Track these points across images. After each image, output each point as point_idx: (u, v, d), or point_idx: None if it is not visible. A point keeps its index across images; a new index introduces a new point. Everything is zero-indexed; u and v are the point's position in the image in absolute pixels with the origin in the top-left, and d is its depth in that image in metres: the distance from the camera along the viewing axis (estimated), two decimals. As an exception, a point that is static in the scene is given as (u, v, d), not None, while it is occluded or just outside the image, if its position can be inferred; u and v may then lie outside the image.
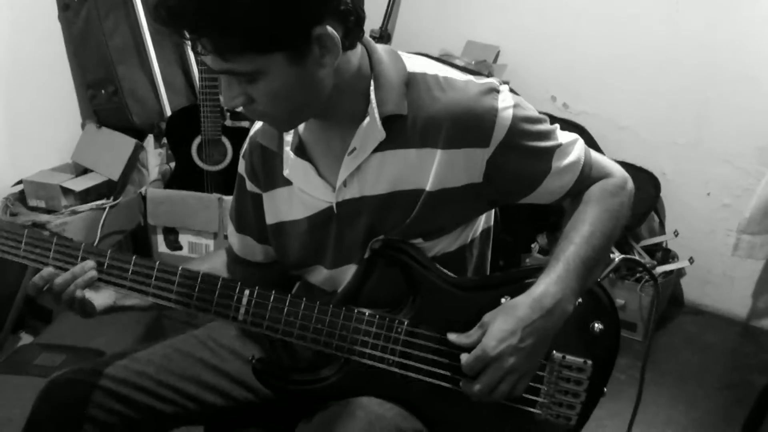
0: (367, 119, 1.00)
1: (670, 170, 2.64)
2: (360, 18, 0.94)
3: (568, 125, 2.68)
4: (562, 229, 1.08)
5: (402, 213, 1.04)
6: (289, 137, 1.08)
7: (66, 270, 1.05)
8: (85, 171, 2.62)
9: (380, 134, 1.00)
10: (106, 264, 1.06)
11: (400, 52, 1.06)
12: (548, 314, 0.97)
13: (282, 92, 0.92)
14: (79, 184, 2.49)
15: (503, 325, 0.97)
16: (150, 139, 2.67)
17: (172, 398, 1.13)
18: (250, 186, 1.17)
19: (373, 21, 3.04)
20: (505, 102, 1.01)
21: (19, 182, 2.48)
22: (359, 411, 0.99)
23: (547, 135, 1.05)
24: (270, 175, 1.13)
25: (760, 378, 2.18)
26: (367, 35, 1.00)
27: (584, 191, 1.08)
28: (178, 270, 1.05)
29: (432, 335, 1.03)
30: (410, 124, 1.01)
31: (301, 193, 1.09)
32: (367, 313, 1.04)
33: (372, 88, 1.00)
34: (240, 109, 0.96)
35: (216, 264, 1.25)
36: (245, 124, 2.60)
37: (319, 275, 1.14)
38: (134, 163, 2.62)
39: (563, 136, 1.07)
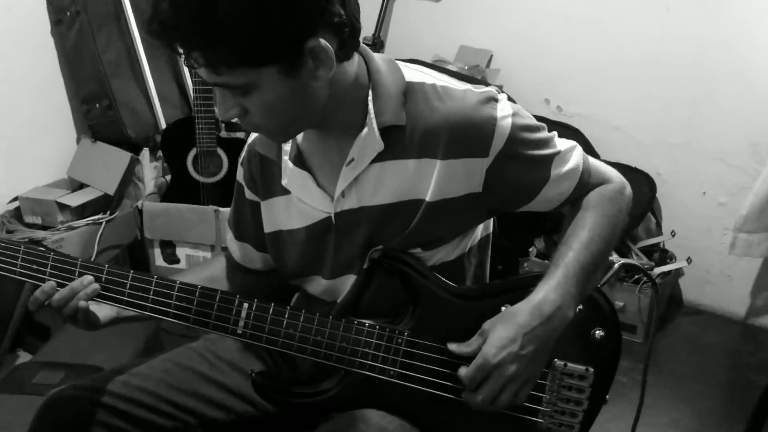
0: (366, 130, 1.00)
1: (665, 170, 2.65)
2: (355, 29, 0.94)
3: (562, 128, 2.69)
4: (561, 234, 1.08)
5: (401, 223, 1.03)
6: (287, 146, 1.08)
7: (64, 285, 1.04)
8: (80, 186, 2.62)
9: (378, 145, 1.00)
10: (103, 279, 1.05)
11: (397, 62, 1.06)
12: (548, 321, 0.97)
13: (276, 104, 0.92)
14: (75, 200, 2.48)
15: (503, 332, 0.97)
16: (145, 153, 2.66)
17: (171, 413, 1.12)
18: (248, 194, 1.17)
19: (365, 28, 3.03)
20: (503, 111, 1.01)
21: (15, 199, 2.47)
22: (361, 424, 0.98)
23: (545, 143, 1.05)
24: (268, 183, 1.12)
25: (761, 377, 2.18)
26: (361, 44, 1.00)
27: (583, 197, 1.08)
28: (176, 284, 1.05)
29: (433, 345, 1.03)
30: (409, 134, 1.01)
31: (299, 203, 1.09)
32: (366, 324, 1.03)
33: (370, 98, 1.00)
34: (235, 120, 0.96)
35: (216, 271, 1.25)
36: (241, 135, 2.60)
37: (318, 285, 1.13)
38: (130, 176, 2.62)
39: (561, 144, 1.07)
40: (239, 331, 1.04)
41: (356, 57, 1.00)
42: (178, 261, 2.54)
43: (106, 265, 1.06)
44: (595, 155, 2.66)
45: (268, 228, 1.15)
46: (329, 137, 1.05)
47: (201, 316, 1.04)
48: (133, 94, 2.60)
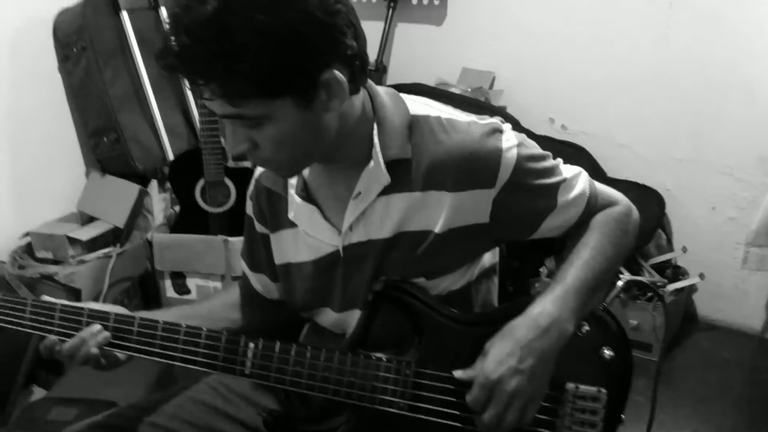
0: (372, 163, 1.01)
1: (674, 186, 2.64)
2: (364, 62, 0.95)
3: (567, 146, 2.69)
4: (565, 253, 1.08)
5: (409, 255, 1.04)
6: (293, 180, 1.09)
7: (72, 335, 1.05)
8: (90, 219, 2.63)
9: (385, 178, 1.01)
10: (110, 327, 1.06)
11: (402, 95, 1.07)
12: (545, 333, 0.96)
13: (288, 137, 0.93)
14: (86, 234, 2.49)
15: (501, 348, 0.96)
16: (154, 184, 2.69)
17: (185, 449, 1.13)
18: (258, 227, 1.18)
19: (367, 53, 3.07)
20: (508, 142, 1.01)
21: (26, 234, 2.49)
22: (372, 458, 0.98)
23: (551, 171, 1.05)
24: (276, 216, 1.13)
25: (779, 393, 2.15)
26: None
27: (589, 220, 1.09)
28: (182, 329, 1.05)
29: (440, 375, 1.02)
30: (415, 167, 1.01)
31: (307, 236, 1.09)
32: (374, 357, 1.03)
33: (375, 132, 1.01)
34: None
35: (227, 300, 1.25)
36: (247, 164, 2.62)
37: (328, 318, 1.13)
38: (139, 209, 2.64)
39: (567, 171, 1.08)
40: (247, 372, 1.04)
41: (362, 91, 1.01)
42: (188, 292, 2.54)
43: (113, 314, 1.06)
44: (602, 173, 2.67)
45: (278, 260, 1.16)
46: (336, 171, 1.05)
47: (208, 358, 1.04)
48: (140, 127, 2.62)
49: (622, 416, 1.07)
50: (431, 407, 1.02)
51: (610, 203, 1.10)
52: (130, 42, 2.58)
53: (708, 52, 2.48)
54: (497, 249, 1.18)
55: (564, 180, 1.06)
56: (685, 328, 2.61)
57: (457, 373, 1.01)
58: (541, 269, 2.51)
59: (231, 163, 2.58)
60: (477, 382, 0.96)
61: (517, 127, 1.05)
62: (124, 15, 2.56)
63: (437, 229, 1.02)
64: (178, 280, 2.53)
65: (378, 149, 1.00)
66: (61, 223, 2.56)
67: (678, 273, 2.57)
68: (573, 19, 2.72)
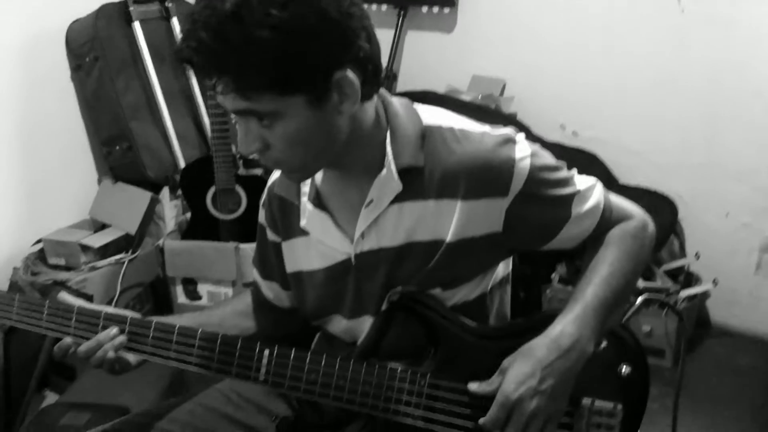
0: (384, 171, 1.01)
1: (687, 192, 2.62)
2: (378, 68, 0.96)
3: (578, 153, 2.68)
4: (582, 269, 1.07)
5: (420, 263, 1.04)
6: (306, 188, 1.09)
7: (87, 339, 1.06)
8: (103, 226, 2.65)
9: (397, 186, 1.01)
10: (126, 331, 1.06)
11: (415, 105, 1.07)
12: (566, 354, 0.96)
13: (299, 137, 0.93)
14: (98, 240, 2.51)
15: (522, 367, 0.96)
16: (165, 192, 2.70)
17: (196, 456, 1.13)
18: (271, 235, 1.18)
19: (378, 61, 3.07)
20: (522, 152, 1.01)
21: (39, 241, 2.51)
22: (385, 468, 0.98)
23: (565, 182, 1.05)
24: (288, 224, 1.13)
25: (795, 400, 2.13)
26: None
27: (605, 233, 1.08)
28: (197, 333, 1.06)
29: (455, 387, 1.02)
30: (427, 176, 1.01)
31: (319, 244, 1.10)
32: (388, 368, 1.03)
33: (388, 140, 1.01)
34: (255, 156, 0.97)
35: (247, 306, 1.26)
36: (258, 172, 2.63)
37: (338, 325, 1.13)
38: (151, 216, 2.65)
39: (582, 182, 1.07)
40: (261, 378, 1.04)
41: (376, 100, 1.01)
42: (200, 298, 2.55)
43: (129, 317, 1.07)
44: (613, 180, 2.66)
45: (290, 268, 1.16)
46: (348, 178, 1.06)
47: (223, 364, 1.05)
48: (152, 136, 2.64)
49: None
50: (445, 419, 1.01)
51: (625, 216, 1.10)
52: (142, 52, 2.60)
53: (721, 57, 2.47)
54: (510, 259, 1.18)
55: (578, 191, 1.05)
56: (698, 334, 2.59)
57: (472, 386, 1.00)
58: (552, 275, 2.50)
59: (242, 171, 2.59)
60: (496, 401, 0.96)
61: (528, 133, 1.05)
62: (136, 25, 2.58)
63: (449, 238, 1.02)
64: (190, 286, 2.54)
65: (390, 157, 1.01)
66: (73, 230, 2.57)
67: (691, 279, 2.55)
68: (584, 25, 2.71)
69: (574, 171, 1.08)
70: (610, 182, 2.61)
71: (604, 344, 1.03)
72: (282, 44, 0.85)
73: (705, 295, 2.62)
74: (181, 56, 0.89)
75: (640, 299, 1.20)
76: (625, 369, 1.04)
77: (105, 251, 2.52)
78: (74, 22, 2.59)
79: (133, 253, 2.56)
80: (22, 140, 2.48)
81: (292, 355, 1.04)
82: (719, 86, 2.49)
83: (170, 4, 2.72)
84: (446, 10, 2.93)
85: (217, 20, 0.85)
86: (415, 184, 1.01)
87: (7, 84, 2.42)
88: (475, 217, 1.01)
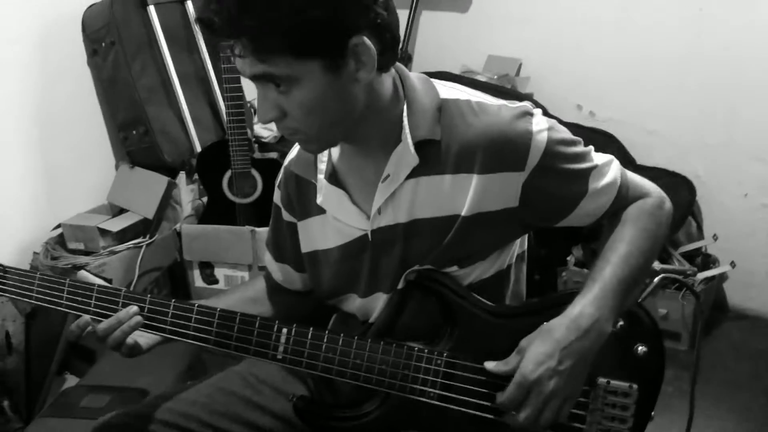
0: (401, 145, 1.01)
1: (704, 172, 2.59)
2: (396, 38, 0.95)
3: (595, 133, 2.66)
4: (599, 248, 1.07)
5: (437, 239, 1.04)
6: (322, 165, 1.10)
7: (108, 317, 1.07)
8: (121, 211, 2.67)
9: (413, 159, 1.01)
10: (146, 309, 1.07)
11: (432, 80, 1.07)
12: (585, 335, 0.96)
13: (315, 103, 0.93)
14: (116, 225, 2.53)
15: (540, 348, 0.96)
16: (182, 176, 2.71)
17: (216, 439, 1.14)
18: (286, 215, 1.19)
19: (393, 43, 3.06)
20: (539, 125, 1.00)
21: (58, 226, 2.54)
22: (402, 447, 0.99)
23: (582, 157, 1.04)
24: (304, 204, 1.14)
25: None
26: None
27: (621, 211, 1.07)
28: (216, 312, 1.07)
29: (472, 366, 1.02)
30: (444, 149, 1.01)
31: (335, 221, 1.10)
32: (405, 347, 1.04)
33: (405, 113, 1.01)
34: (276, 131, 0.98)
35: (259, 292, 1.27)
36: (274, 155, 2.63)
37: (353, 303, 1.14)
38: (168, 200, 2.66)
39: (598, 158, 1.06)
40: (279, 357, 1.05)
41: (393, 73, 1.01)
42: (216, 281, 2.57)
43: (149, 296, 1.08)
44: (630, 160, 2.64)
45: (305, 248, 1.16)
46: (364, 154, 1.06)
47: (241, 342, 1.06)
48: (168, 120, 2.65)
49: (652, 414, 1.06)
50: (462, 397, 1.02)
51: (642, 194, 1.09)
52: (158, 36, 2.60)
53: (742, 35, 2.43)
54: (526, 237, 1.18)
55: (595, 166, 1.05)
56: (715, 317, 2.58)
57: (489, 365, 1.01)
58: (568, 258, 2.49)
59: (257, 155, 2.60)
60: (515, 381, 0.96)
61: (544, 114, 1.04)
62: (152, 9, 2.58)
63: (464, 212, 1.02)
64: (207, 270, 2.56)
65: (407, 130, 1.00)
66: (92, 215, 2.60)
67: (708, 261, 2.54)
68: (601, 5, 2.68)
69: (591, 147, 1.08)
70: (627, 162, 2.58)
71: (620, 323, 1.03)
72: (299, 6, 0.86)
73: (722, 278, 2.60)
74: (201, 18, 0.90)
75: (657, 279, 1.19)
76: (641, 349, 1.04)
77: (123, 235, 2.54)
78: (90, 6, 2.59)
79: (150, 237, 2.58)
80: (40, 126, 2.50)
81: (310, 334, 1.05)
82: (739, 64, 2.45)
83: (185, -12, 2.72)
84: (461, -10, 2.91)
85: None
86: (432, 157, 1.01)
87: (24, 70, 2.43)
88: (491, 192, 1.01)
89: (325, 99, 0.93)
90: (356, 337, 1.04)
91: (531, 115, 1.01)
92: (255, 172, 2.48)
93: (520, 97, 2.67)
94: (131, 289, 2.44)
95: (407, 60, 3.04)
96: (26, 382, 2.21)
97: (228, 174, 2.49)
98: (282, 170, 1.18)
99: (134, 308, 1.06)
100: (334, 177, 1.09)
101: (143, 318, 1.07)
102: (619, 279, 1.00)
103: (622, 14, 2.64)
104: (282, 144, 2.77)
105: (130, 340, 1.06)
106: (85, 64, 2.66)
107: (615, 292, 1.00)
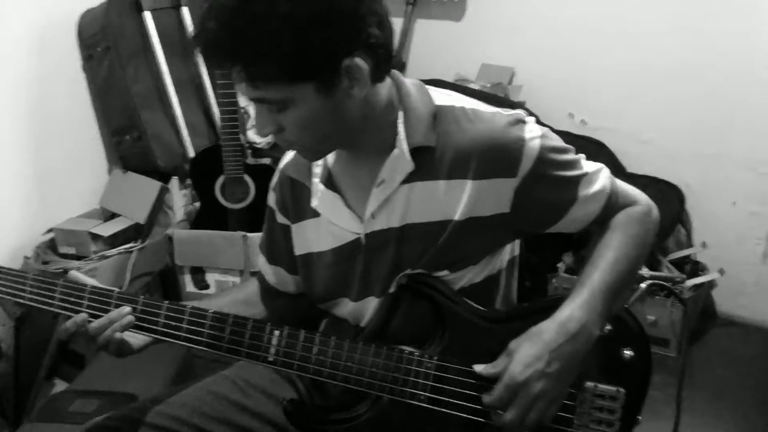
0: (396, 151, 1.02)
1: (694, 181, 2.62)
2: (389, 52, 0.97)
3: (587, 142, 2.68)
4: (588, 254, 1.09)
5: (429, 243, 1.05)
6: (318, 169, 1.11)
7: (100, 317, 1.07)
8: (113, 216, 2.66)
9: (408, 165, 1.02)
10: (138, 309, 1.07)
11: (427, 86, 1.08)
12: (573, 338, 0.97)
13: (310, 121, 0.95)
14: (108, 229, 2.52)
15: (529, 350, 0.97)
16: (174, 181, 2.71)
17: (206, 442, 1.14)
18: (280, 218, 1.20)
19: (386, 51, 3.08)
20: (532, 132, 1.02)
21: (50, 230, 2.53)
22: (392, 449, 0.99)
23: (573, 164, 1.06)
24: (298, 206, 1.15)
25: (801, 390, 2.13)
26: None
27: (610, 218, 1.09)
28: (209, 313, 1.07)
29: (462, 369, 1.03)
30: (438, 155, 1.03)
31: (330, 225, 1.11)
32: (396, 350, 1.04)
33: (400, 120, 1.03)
34: (270, 138, 1.00)
35: (250, 295, 1.27)
36: (267, 161, 2.64)
37: (345, 308, 1.15)
38: (160, 205, 2.66)
39: (589, 166, 1.08)
40: (271, 359, 1.05)
41: (388, 81, 1.03)
42: (207, 287, 2.57)
43: (142, 297, 1.08)
44: (621, 169, 2.66)
45: (299, 251, 1.17)
46: (359, 159, 1.07)
47: (233, 344, 1.06)
48: (161, 125, 2.65)
49: (639, 417, 1.07)
50: (452, 401, 1.03)
51: (630, 202, 1.11)
52: (153, 42, 2.61)
53: (733, 46, 2.45)
54: (517, 243, 1.19)
55: (585, 174, 1.07)
56: (704, 323, 2.59)
57: (478, 368, 1.02)
58: (558, 265, 2.50)
59: (250, 160, 2.60)
60: (502, 382, 0.97)
61: (537, 122, 1.06)
62: (147, 15, 2.59)
63: (457, 217, 1.03)
64: (198, 275, 2.56)
65: (402, 136, 1.02)
66: (83, 220, 2.59)
67: (697, 269, 2.55)
68: (594, 13, 2.70)
69: (582, 155, 1.10)
70: (617, 171, 2.59)
71: (608, 328, 1.04)
72: (290, 35, 0.87)
73: (711, 285, 2.62)
74: (194, 45, 0.94)
75: (644, 284, 1.21)
76: (627, 353, 1.05)
77: (115, 240, 2.54)
78: (85, 12, 2.60)
79: (142, 242, 2.58)
80: (33, 130, 2.50)
81: (302, 336, 1.05)
82: (732, 75, 2.48)
83: (181, -6, 2.73)
84: (455, -2, 2.93)
85: (227, 11, 0.88)
86: (427, 163, 1.03)
87: (19, 75, 2.43)
88: (484, 197, 1.03)
89: (319, 116, 0.95)
90: (348, 340, 1.05)
91: (524, 122, 1.03)
92: (248, 178, 2.49)
93: (513, 105, 2.69)
94: (122, 293, 2.43)
95: (401, 68, 3.06)
96: (15, 387, 2.20)
97: (221, 179, 2.49)
98: (277, 173, 1.19)
99: (127, 308, 1.07)
100: (329, 181, 1.10)
101: (135, 318, 1.07)
102: (608, 284, 1.02)
103: (615, 24, 2.67)
104: (275, 150, 2.77)
105: (117, 336, 1.06)
106: (80, 69, 2.66)
107: (603, 297, 1.01)
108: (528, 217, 1.06)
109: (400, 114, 1.03)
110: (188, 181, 2.72)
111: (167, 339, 1.08)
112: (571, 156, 1.07)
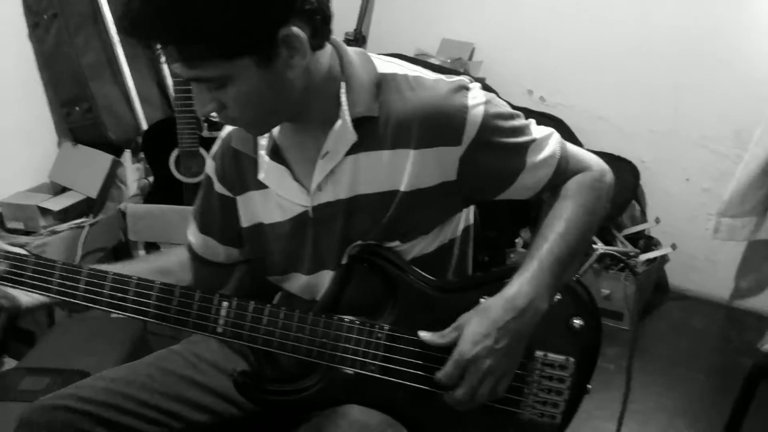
0: (339, 122, 1.00)
1: (649, 158, 2.66)
2: (327, 16, 0.94)
3: (545, 118, 2.70)
4: (539, 223, 1.08)
5: (378, 215, 1.03)
6: (264, 141, 1.08)
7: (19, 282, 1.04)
8: (63, 190, 2.60)
9: (352, 136, 1.00)
10: (83, 281, 1.04)
11: (371, 54, 1.06)
12: (521, 314, 0.97)
13: (252, 96, 0.92)
14: (57, 204, 2.46)
15: (477, 327, 0.97)
16: (127, 155, 2.65)
17: (156, 418, 1.12)
18: (218, 187, 1.16)
19: (347, 23, 3.04)
20: (475, 99, 1.00)
21: (-4, 205, 2.45)
22: (342, 420, 0.99)
23: (520, 130, 1.05)
24: (243, 178, 1.12)
25: (745, 360, 2.20)
26: (341, 38, 1.00)
27: (561, 185, 1.08)
28: (155, 285, 1.04)
29: (413, 339, 1.02)
30: (382, 125, 1.01)
31: (278, 197, 1.09)
32: (346, 320, 1.03)
33: (343, 90, 1.00)
34: (213, 115, 0.96)
35: (169, 263, 1.24)
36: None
37: (297, 282, 1.13)
38: (112, 179, 2.60)
39: (538, 131, 1.06)
40: (219, 330, 1.04)
41: (329, 49, 1.00)
42: (163, 262, 2.53)
43: (87, 267, 1.05)
44: (579, 145, 2.68)
45: (246, 222, 1.15)
46: (304, 131, 1.05)
47: (181, 315, 1.04)
48: (113, 96, 2.58)
49: (589, 386, 1.08)
50: (403, 369, 1.02)
51: (583, 167, 1.09)
52: (102, 9, 2.52)
53: (689, 26, 2.49)
54: (471, 212, 1.18)
55: (534, 140, 1.05)
56: (656, 297, 2.66)
57: (424, 335, 1.01)
58: (516, 240, 2.52)
59: (206, 133, 2.54)
60: (452, 359, 0.97)
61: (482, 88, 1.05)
62: (95, -19, 2.50)
63: (403, 188, 1.02)
64: (153, 250, 2.51)
65: (345, 107, 1.00)
66: (32, 194, 2.52)
67: (650, 243, 2.61)
68: (553, -9, 2.71)
69: (532, 121, 1.08)
70: (575, 148, 2.64)
71: (558, 297, 1.04)
72: (222, 9, 0.84)
73: (664, 259, 2.68)
74: (121, 28, 0.88)
75: (595, 255, 1.21)
76: (577, 322, 1.06)
77: (65, 215, 2.47)
78: (30, -23, 2.50)
79: (94, 217, 2.52)
80: (-23, 101, 2.41)
81: (251, 308, 1.03)
82: (687, 55, 2.52)
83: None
84: (415, -28, 2.90)
85: None
86: (370, 134, 1.01)
87: (-41, 41, 2.34)
88: (428, 166, 1.01)
89: (260, 91, 0.92)
90: (298, 311, 1.04)
91: (467, 89, 1.01)
92: (203, 151, 2.43)
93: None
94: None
95: (361, 42, 3.03)
96: (-38, 366, 2.14)
97: (175, 152, 2.44)
98: (219, 142, 1.16)
99: None
100: (275, 153, 1.08)
101: (80, 289, 1.04)
102: (556, 256, 1.01)
103: (574, 3, 2.68)
104: (231, 123, 2.72)
105: None
106: (26, 37, 2.56)
107: (552, 270, 1.00)
108: (476, 184, 1.05)
109: (343, 84, 1.01)
110: (141, 155, 2.66)
111: (116, 312, 1.05)
112: (518, 122, 1.05)
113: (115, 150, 2.62)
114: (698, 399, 2.11)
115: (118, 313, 1.05)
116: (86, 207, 2.55)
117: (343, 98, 1.00)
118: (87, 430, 1.07)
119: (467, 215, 1.17)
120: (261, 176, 1.08)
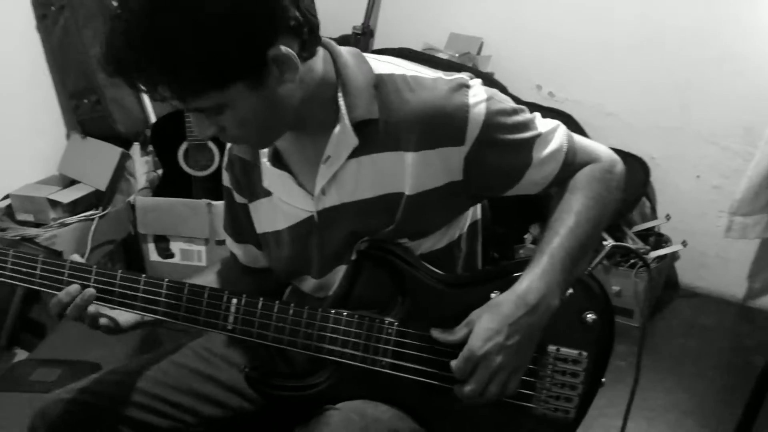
0: (339, 126, 0.99)
1: (659, 154, 2.64)
2: (313, 26, 0.93)
3: (554, 113, 2.67)
4: (549, 216, 1.06)
5: (384, 218, 1.03)
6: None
7: (57, 289, 1.05)
8: (72, 182, 2.60)
9: (353, 140, 1.00)
10: (92, 280, 1.05)
11: (365, 54, 1.04)
12: (533, 310, 0.96)
13: (249, 118, 0.92)
14: (67, 196, 2.46)
15: (488, 323, 0.96)
16: (136, 147, 2.65)
17: (168, 412, 1.13)
18: (238, 197, 1.18)
19: (355, 17, 3.03)
20: (476, 97, 0.99)
21: (6, 197, 2.46)
22: (354, 414, 0.98)
23: (525, 126, 1.02)
24: (252, 186, 1.13)
25: (758, 358, 2.19)
26: (349, 32, 0.99)
27: (570, 178, 1.05)
28: (164, 282, 1.05)
29: (423, 334, 1.02)
30: (382, 127, 1.00)
31: (282, 203, 1.09)
32: (356, 316, 1.03)
33: (340, 94, 0.99)
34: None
35: (207, 279, 1.24)
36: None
37: (309, 284, 1.13)
38: (121, 172, 2.60)
39: (543, 125, 1.04)
40: (229, 327, 1.04)
41: (322, 53, 0.98)
42: (172, 255, 2.53)
43: (95, 267, 1.05)
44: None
45: (259, 229, 1.16)
46: (305, 136, 1.04)
47: (191, 313, 1.04)
48: (121, 89, 2.57)
49: (603, 380, 1.07)
50: (413, 366, 1.02)
51: (591, 159, 1.06)
52: (110, 1, 2.51)
53: (700, 21, 2.47)
54: (479, 207, 1.17)
55: (539, 134, 1.03)
56: (666, 294, 2.64)
57: (435, 333, 1.01)
58: (525, 236, 2.51)
59: (215, 127, 2.54)
60: (463, 355, 0.96)
61: (503, 93, 1.02)
62: (105, -27, 2.50)
63: (408, 191, 1.01)
64: (162, 243, 2.52)
65: (344, 111, 0.98)
66: (42, 186, 2.53)
67: (661, 240, 2.59)
68: (563, -15, 2.69)
69: (537, 114, 1.06)
70: (585, 143, 2.62)
71: (570, 291, 1.03)
72: (204, 42, 0.83)
73: (674, 257, 2.66)
74: (107, 71, 0.87)
75: (607, 247, 1.19)
76: (590, 317, 1.04)
77: (75, 207, 2.48)
78: (39, -32, 2.50)
79: (103, 209, 2.53)
80: (-15, 93, 2.41)
81: (260, 304, 1.03)
82: (696, 49, 2.49)
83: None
84: (425, -34, 2.89)
85: (133, 30, 0.83)
86: (372, 137, 1.00)
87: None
88: (432, 167, 1.00)
89: (257, 111, 0.92)
90: (307, 307, 1.03)
91: (468, 87, 0.99)
92: (212, 144, 2.44)
93: (481, 76, 2.67)
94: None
95: (369, 36, 3.01)
96: (-26, 357, 2.16)
97: (184, 146, 2.44)
98: (226, 153, 1.17)
99: (75, 287, 1.04)
100: (277, 159, 1.07)
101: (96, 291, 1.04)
102: (567, 251, 1.00)
103: (583, -2, 2.66)
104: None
105: (92, 309, 1.05)
106: (34, 29, 2.56)
107: (563, 265, 0.99)
108: (482, 183, 1.03)
109: (339, 87, 0.99)
110: (150, 148, 2.66)
111: (123, 309, 1.06)
112: (522, 117, 1.03)
113: (124, 143, 2.63)
114: (709, 397, 2.10)
115: (130, 312, 1.07)
116: (95, 199, 2.55)
117: (341, 102, 0.99)
118: (101, 423, 1.08)
119: (475, 210, 1.16)
120: (265, 183, 1.09)
